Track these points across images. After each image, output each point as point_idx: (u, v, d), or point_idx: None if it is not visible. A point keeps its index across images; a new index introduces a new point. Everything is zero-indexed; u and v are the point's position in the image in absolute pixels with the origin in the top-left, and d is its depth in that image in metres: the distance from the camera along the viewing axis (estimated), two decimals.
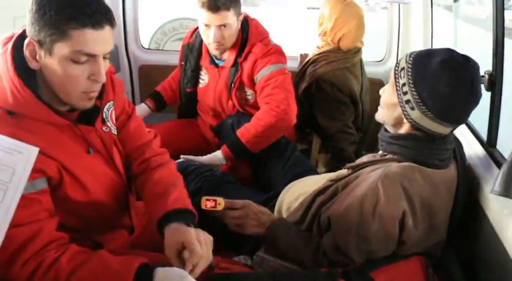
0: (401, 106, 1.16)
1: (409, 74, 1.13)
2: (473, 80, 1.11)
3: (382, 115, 1.25)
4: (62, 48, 0.95)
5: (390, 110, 1.20)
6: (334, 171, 1.68)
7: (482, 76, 1.40)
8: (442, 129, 1.15)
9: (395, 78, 1.17)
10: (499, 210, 1.11)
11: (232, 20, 1.83)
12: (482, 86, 1.40)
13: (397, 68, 1.18)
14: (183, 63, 2.12)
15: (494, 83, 1.37)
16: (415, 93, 1.12)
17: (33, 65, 0.98)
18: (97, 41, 0.97)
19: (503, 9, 1.33)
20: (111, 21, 0.99)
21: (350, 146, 2.17)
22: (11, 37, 1.03)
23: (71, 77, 0.98)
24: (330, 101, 2.11)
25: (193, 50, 2.06)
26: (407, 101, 1.14)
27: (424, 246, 1.16)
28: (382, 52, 2.71)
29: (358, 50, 2.19)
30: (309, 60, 2.21)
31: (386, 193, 1.10)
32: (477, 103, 1.15)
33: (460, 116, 1.15)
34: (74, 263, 0.98)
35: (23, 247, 0.96)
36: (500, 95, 1.38)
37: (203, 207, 1.30)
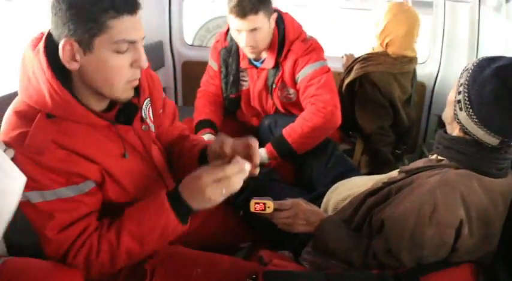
0: (454, 105, 1.17)
1: (468, 75, 1.13)
2: None
3: (444, 112, 1.25)
4: (103, 42, 0.94)
5: (449, 107, 1.21)
6: (375, 172, 1.69)
7: None
8: (488, 138, 1.11)
9: (460, 77, 1.17)
10: None
11: (262, 22, 1.77)
12: None
13: (464, 68, 1.18)
14: (222, 69, 2.06)
15: None
16: (466, 94, 1.12)
17: (72, 66, 0.97)
18: (134, 27, 0.96)
19: None
20: (139, 5, 0.98)
21: (385, 147, 2.18)
22: (40, 38, 1.01)
23: (115, 68, 0.98)
24: (369, 101, 2.12)
25: (232, 53, 2.01)
26: (459, 101, 1.14)
27: (477, 255, 1.15)
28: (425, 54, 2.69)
29: (410, 60, 2.16)
30: (359, 57, 2.22)
31: (445, 200, 1.09)
32: None
33: (504, 128, 1.09)
34: (114, 228, 1.04)
35: (72, 245, 1.02)
36: None
37: (252, 210, 1.31)
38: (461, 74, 1.17)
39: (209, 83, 2.15)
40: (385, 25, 2.08)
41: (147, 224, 1.03)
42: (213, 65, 2.12)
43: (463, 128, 1.16)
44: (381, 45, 2.14)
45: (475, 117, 1.11)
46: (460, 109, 1.14)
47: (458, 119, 1.16)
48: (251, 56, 1.92)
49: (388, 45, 2.11)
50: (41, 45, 0.98)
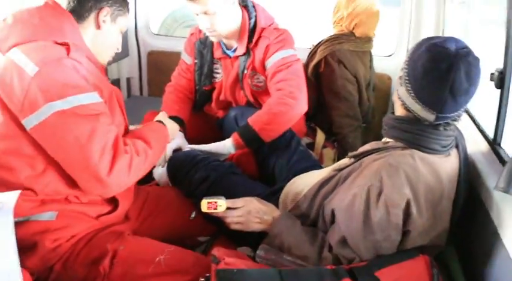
0: (397, 82, 1.21)
1: (409, 52, 1.17)
2: (451, 66, 1.06)
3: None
4: (122, 21, 1.35)
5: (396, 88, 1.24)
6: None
7: (492, 74, 1.40)
8: (424, 113, 1.13)
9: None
10: (501, 207, 1.12)
11: (215, 5, 1.72)
12: (492, 83, 1.41)
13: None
14: (196, 61, 2.04)
15: (504, 80, 1.37)
16: (405, 70, 1.16)
17: (100, 26, 1.29)
18: None
19: None
20: None
21: (353, 132, 2.24)
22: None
23: (116, 41, 1.38)
24: (337, 79, 2.19)
25: (207, 44, 1.99)
26: (400, 77, 1.19)
27: (429, 236, 1.16)
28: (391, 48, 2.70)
29: (369, 40, 2.27)
30: (321, 41, 2.29)
31: (390, 181, 1.10)
32: (453, 93, 1.09)
33: (433, 101, 1.10)
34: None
35: (118, 138, 1.19)
36: (508, 93, 1.38)
37: (204, 210, 1.30)
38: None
39: (181, 77, 2.11)
40: (353, 8, 2.18)
41: (155, 136, 1.36)
42: (186, 58, 2.08)
43: (404, 104, 1.18)
44: (347, 28, 2.23)
45: (411, 91, 1.14)
46: (401, 85, 1.18)
47: (399, 95, 1.19)
48: (212, 39, 1.90)
49: (356, 26, 2.21)
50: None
